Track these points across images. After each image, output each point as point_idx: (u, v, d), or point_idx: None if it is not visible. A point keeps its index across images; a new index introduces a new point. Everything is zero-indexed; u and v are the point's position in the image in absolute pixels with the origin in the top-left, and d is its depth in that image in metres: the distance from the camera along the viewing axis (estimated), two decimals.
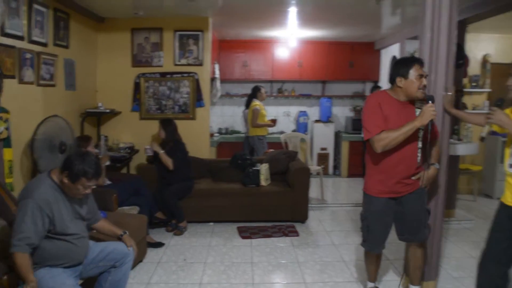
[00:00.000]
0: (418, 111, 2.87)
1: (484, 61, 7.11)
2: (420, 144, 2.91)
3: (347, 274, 3.91)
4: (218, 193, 5.28)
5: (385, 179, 2.95)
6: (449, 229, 5.17)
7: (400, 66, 2.88)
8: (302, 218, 5.37)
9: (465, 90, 6.74)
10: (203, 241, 4.69)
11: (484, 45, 7.09)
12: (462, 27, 5.69)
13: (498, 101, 2.62)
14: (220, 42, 7.99)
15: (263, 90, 7.06)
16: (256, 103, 6.92)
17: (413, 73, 2.81)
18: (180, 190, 5.04)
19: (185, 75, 6.11)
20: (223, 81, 7.84)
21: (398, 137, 2.76)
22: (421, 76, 2.81)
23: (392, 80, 2.91)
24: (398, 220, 3.09)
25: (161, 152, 4.96)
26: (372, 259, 3.28)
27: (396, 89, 2.91)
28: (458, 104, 5.68)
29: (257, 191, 5.35)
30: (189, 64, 6.12)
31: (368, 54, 8.45)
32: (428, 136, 2.82)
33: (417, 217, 3.06)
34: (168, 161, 4.96)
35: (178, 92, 6.14)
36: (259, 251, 4.43)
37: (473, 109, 6.99)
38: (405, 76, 2.83)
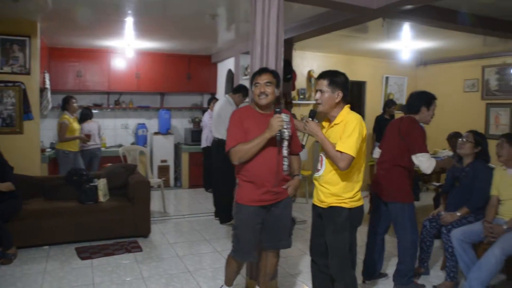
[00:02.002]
0: (284, 116, 3.03)
1: (309, 76, 7.87)
2: (285, 153, 3.08)
3: (193, 284, 3.95)
4: (52, 213, 4.88)
5: (254, 188, 3.03)
6: None
7: (252, 78, 3.11)
8: (145, 232, 5.27)
9: (294, 102, 7.37)
10: (37, 267, 4.27)
11: (309, 62, 7.87)
12: (289, 45, 6.24)
13: (311, 113, 2.95)
14: (51, 49, 7.44)
15: (73, 101, 6.66)
16: (66, 116, 6.54)
17: (253, 81, 3.04)
18: (5, 211, 4.50)
19: (10, 84, 5.55)
20: (54, 92, 7.28)
21: (251, 149, 2.91)
22: (256, 84, 3.02)
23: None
24: (266, 228, 3.15)
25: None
26: (236, 264, 3.27)
27: (253, 101, 3.11)
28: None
29: (96, 208, 5.09)
30: (14, 73, 5.58)
31: (205, 67, 8.72)
32: (284, 146, 3.03)
33: (283, 225, 3.20)
34: (9, 186, 4.50)
35: (1, 103, 5.53)
36: (101, 271, 4.21)
37: (301, 119, 7.65)
38: (252, 85, 3.07)
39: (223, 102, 5.81)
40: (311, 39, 6.15)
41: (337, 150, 2.75)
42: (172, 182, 8.54)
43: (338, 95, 2.86)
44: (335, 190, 2.87)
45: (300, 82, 7.72)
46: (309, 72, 7.85)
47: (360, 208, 2.96)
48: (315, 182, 3.03)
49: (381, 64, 8.63)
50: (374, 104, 8.52)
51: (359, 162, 2.88)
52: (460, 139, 4.19)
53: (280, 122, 2.88)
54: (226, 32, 6.45)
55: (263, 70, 3.12)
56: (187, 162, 8.46)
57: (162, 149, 8.39)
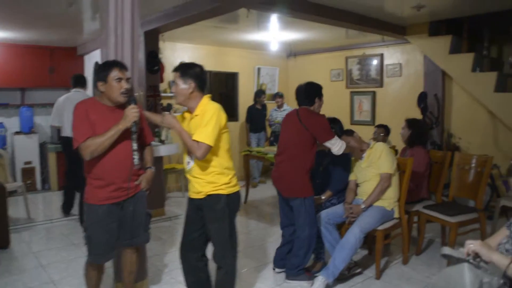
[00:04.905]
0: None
1: None
2: (135, 147, 2.93)
3: None
4: None
5: (103, 185, 2.87)
6: (161, 227, 5.45)
7: (100, 71, 2.88)
8: (3, 243, 4.74)
9: (164, 94, 7.17)
10: None
11: (179, 53, 7.71)
12: (155, 36, 6.03)
13: (168, 107, 2.89)
14: None
15: None
16: None
17: (112, 76, 2.82)
18: None
19: None
20: None
21: (104, 142, 2.76)
22: (120, 79, 2.83)
23: (94, 85, 2.87)
24: (121, 225, 3.01)
25: None
26: (94, 272, 3.05)
27: (101, 94, 2.91)
28: (157, 107, 5.97)
29: None
30: None
31: (70, 60, 8.15)
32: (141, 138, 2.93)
33: (139, 221, 3.07)
34: None
35: None
36: None
37: (175, 112, 7.50)
38: (105, 80, 2.83)
39: (75, 96, 5.35)
40: (181, 30, 6.02)
41: (194, 140, 2.74)
42: (39, 185, 7.88)
43: (190, 85, 2.85)
44: (210, 178, 2.87)
45: (171, 74, 7.53)
46: None
47: (237, 193, 3.01)
48: (188, 176, 2.98)
49: (253, 55, 8.79)
50: (247, 94, 8.64)
51: (224, 149, 2.91)
52: None
53: (135, 113, 2.80)
54: (90, 22, 6.04)
55: (124, 65, 2.95)
56: (55, 162, 7.82)
57: (26, 150, 7.69)
